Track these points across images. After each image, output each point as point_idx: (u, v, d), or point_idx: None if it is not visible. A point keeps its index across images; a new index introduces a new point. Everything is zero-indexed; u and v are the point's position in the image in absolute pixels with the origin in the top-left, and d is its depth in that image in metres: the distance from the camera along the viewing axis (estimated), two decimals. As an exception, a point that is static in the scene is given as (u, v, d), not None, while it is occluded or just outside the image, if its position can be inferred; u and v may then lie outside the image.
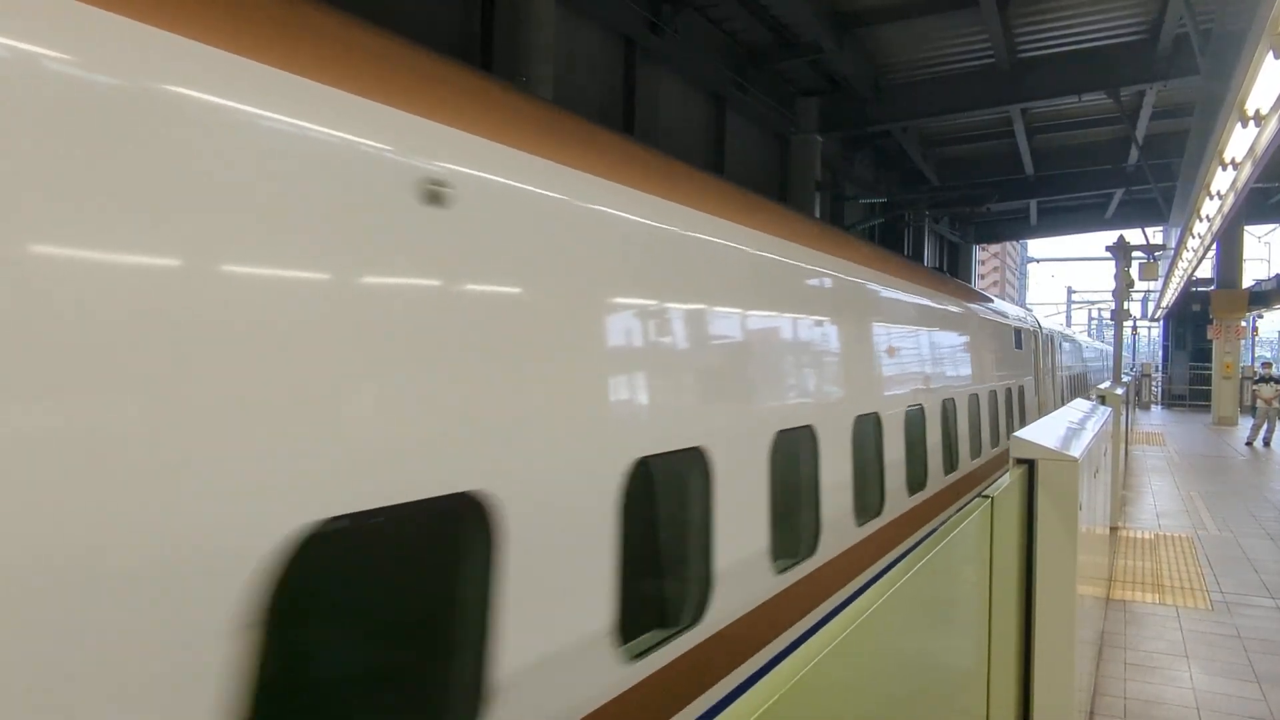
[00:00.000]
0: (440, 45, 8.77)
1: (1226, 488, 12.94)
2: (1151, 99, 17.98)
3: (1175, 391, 35.88)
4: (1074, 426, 4.49)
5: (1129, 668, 5.29)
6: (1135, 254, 15.34)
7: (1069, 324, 66.92)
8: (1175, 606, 6.60)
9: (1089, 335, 61.46)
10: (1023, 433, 3.68)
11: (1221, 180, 10.15)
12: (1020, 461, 3.54)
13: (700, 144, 15.11)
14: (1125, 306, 15.13)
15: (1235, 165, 9.23)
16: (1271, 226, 42.87)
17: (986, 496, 2.80)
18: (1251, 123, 6.89)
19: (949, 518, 2.49)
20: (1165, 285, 27.78)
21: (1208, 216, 12.38)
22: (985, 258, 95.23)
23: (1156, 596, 6.87)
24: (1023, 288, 78.81)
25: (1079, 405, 6.41)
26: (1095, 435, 4.51)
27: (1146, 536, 9.17)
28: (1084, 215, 34.14)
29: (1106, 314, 61.72)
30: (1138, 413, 29.41)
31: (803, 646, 1.39)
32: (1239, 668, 5.32)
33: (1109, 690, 4.93)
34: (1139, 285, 26.53)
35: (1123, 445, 13.31)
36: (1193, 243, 15.40)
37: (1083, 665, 4.64)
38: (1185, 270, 21.99)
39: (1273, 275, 28.79)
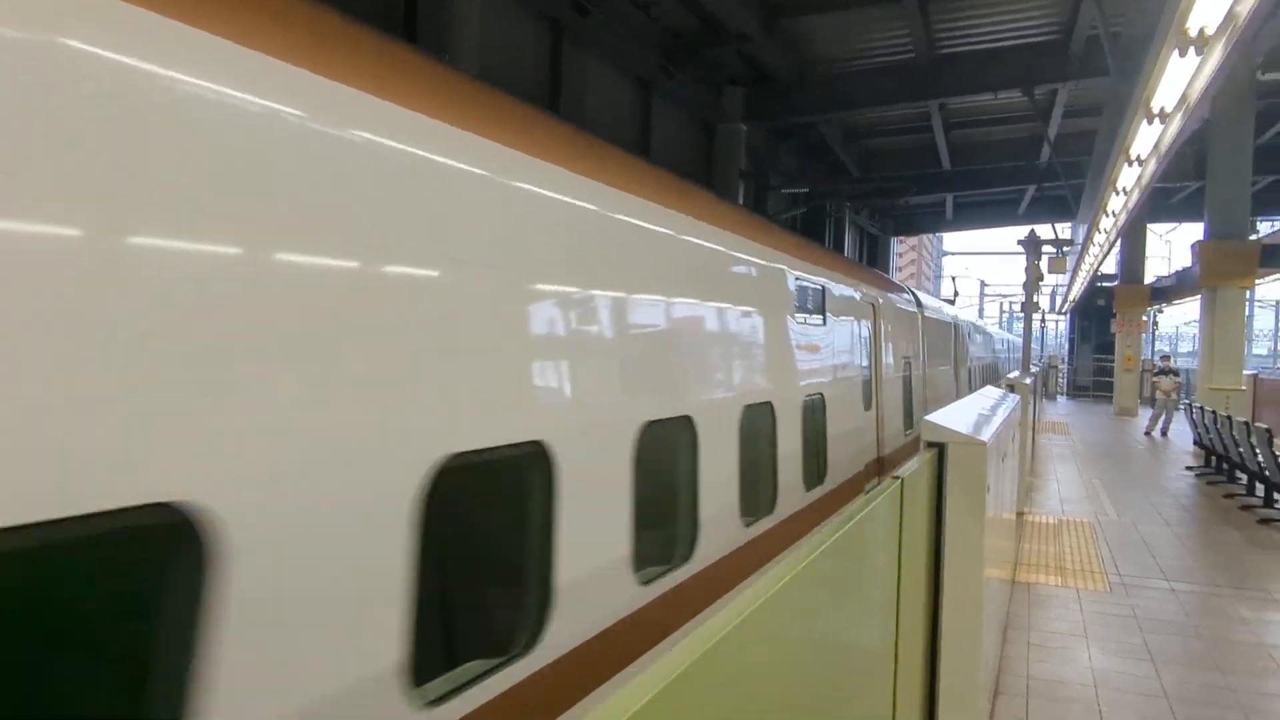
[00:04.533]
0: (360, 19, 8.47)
1: (1126, 475, 13.49)
2: (1064, 98, 18.57)
3: (1080, 383, 37.36)
4: (984, 413, 4.57)
5: (1032, 648, 5.44)
6: (1045, 248, 15.83)
7: (981, 316, 68.96)
8: (1076, 589, 6.83)
9: (1000, 328, 63.37)
10: (934, 416, 3.73)
11: (1127, 176, 10.53)
12: (930, 445, 3.58)
13: (627, 130, 15.03)
14: (1034, 300, 15.59)
15: (1140, 161, 9.59)
16: (1173, 226, 44.96)
17: (897, 478, 2.81)
18: (1156, 120, 7.14)
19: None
20: (1072, 279, 28.80)
21: (1113, 212, 12.85)
22: (904, 250, 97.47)
23: (1059, 579, 7.10)
24: (938, 280, 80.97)
25: (988, 393, 6.55)
26: (1004, 421, 4.60)
27: (1051, 522, 9.48)
28: (998, 210, 35.13)
29: (1017, 307, 63.84)
30: (1044, 402, 30.48)
31: (704, 626, 1.35)
32: (1135, 647, 5.52)
33: (1013, 670, 5.06)
34: (1048, 279, 27.48)
35: (1030, 433, 13.75)
36: (1099, 237, 15.99)
37: (989, 646, 4.75)
38: (1091, 265, 22.82)
39: (1173, 272, 30.12)
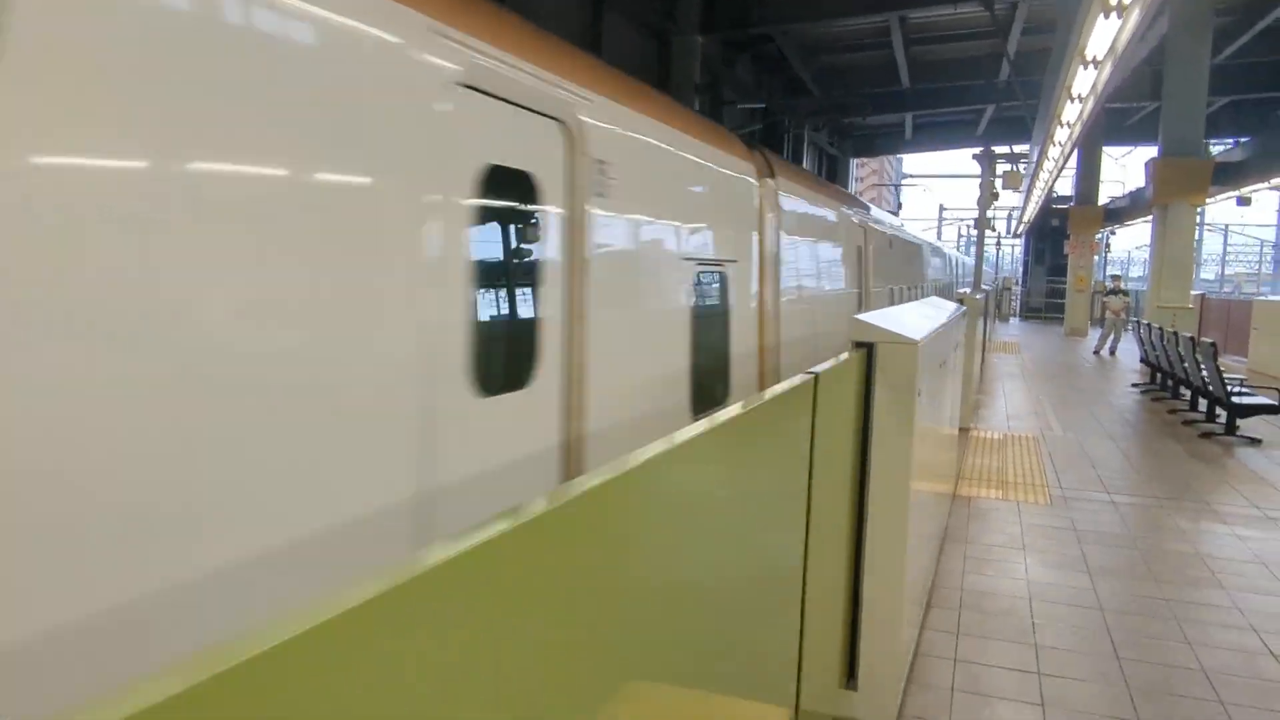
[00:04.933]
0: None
1: (1073, 393, 13.54)
2: (1024, 13, 18.16)
3: (1033, 304, 37.73)
4: (921, 317, 4.34)
5: (968, 560, 5.34)
6: (999, 162, 15.59)
7: (939, 239, 69.03)
8: (1017, 502, 6.75)
9: (959, 250, 63.38)
10: (865, 316, 3.48)
11: (1082, 81, 10.23)
12: (859, 345, 3.34)
13: (576, 42, 14.36)
14: (989, 219, 15.41)
15: (1096, 64, 9.29)
16: (1128, 149, 45.02)
17: (813, 373, 2.56)
18: (1114, 14, 6.83)
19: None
20: (1027, 199, 28.71)
21: (1068, 122, 12.56)
22: (865, 174, 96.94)
23: (1001, 493, 7.02)
24: (896, 202, 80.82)
25: (933, 302, 6.33)
26: (942, 325, 4.38)
27: (996, 437, 9.44)
28: (956, 131, 34.82)
29: (975, 230, 63.97)
30: (997, 324, 30.70)
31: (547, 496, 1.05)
32: (1072, 559, 5.44)
33: (947, 583, 4.95)
34: (1004, 199, 27.34)
35: (980, 352, 13.72)
36: (1053, 150, 15.76)
37: (923, 558, 4.60)
38: (1046, 182, 22.69)
39: (1126, 193, 30.16)
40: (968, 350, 9.90)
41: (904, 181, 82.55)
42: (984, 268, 54.50)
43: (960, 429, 9.71)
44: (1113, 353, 20.50)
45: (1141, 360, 15.35)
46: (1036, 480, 7.49)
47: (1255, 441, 9.45)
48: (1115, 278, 22.93)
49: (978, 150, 15.15)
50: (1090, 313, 28.53)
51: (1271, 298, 20.61)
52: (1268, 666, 3.99)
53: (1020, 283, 41.92)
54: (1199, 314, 18.74)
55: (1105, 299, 21.60)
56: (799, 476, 2.54)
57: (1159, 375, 13.76)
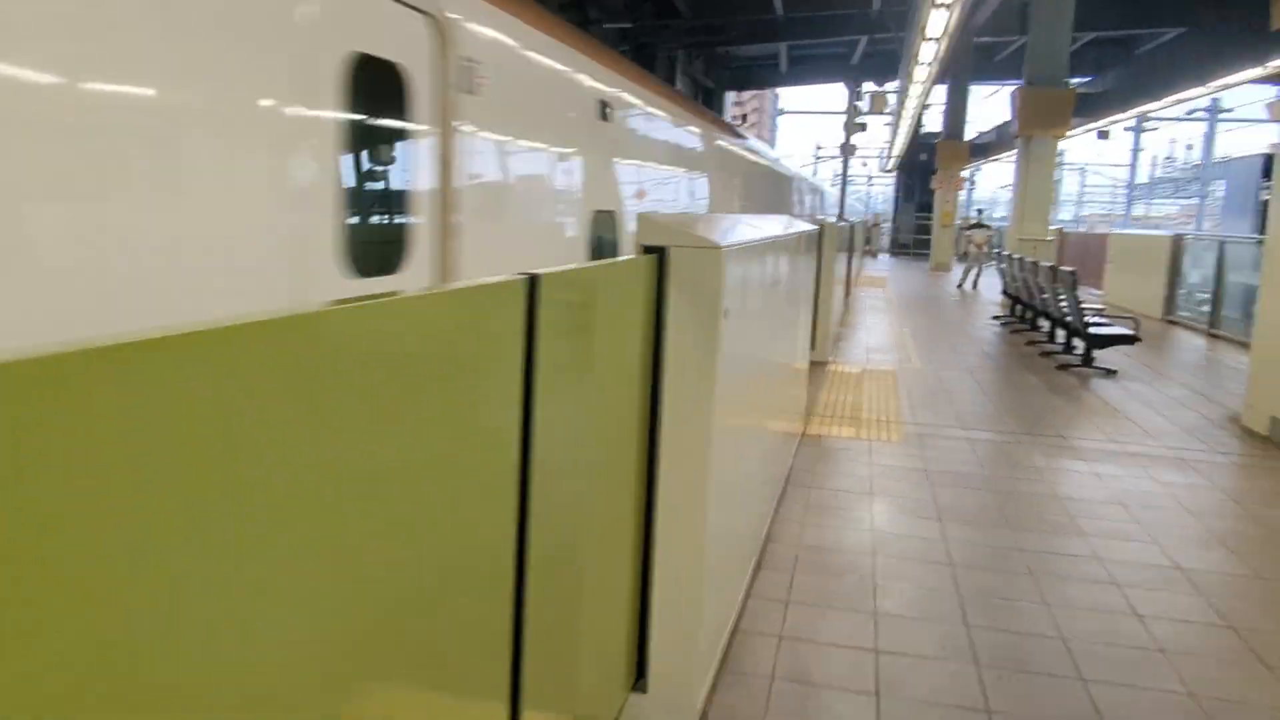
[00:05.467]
0: None
1: (934, 326, 13.29)
2: (895, -66, 17.56)
3: (901, 240, 38.18)
4: (746, 226, 3.54)
5: (810, 509, 4.68)
6: (865, 85, 15.06)
7: (815, 176, 69.50)
8: (870, 441, 6.18)
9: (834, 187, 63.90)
10: (660, 216, 2.64)
11: (936, 19, 9.71)
12: (648, 250, 2.50)
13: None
14: (855, 150, 14.90)
15: (948, 5, 8.80)
16: (996, 87, 45.74)
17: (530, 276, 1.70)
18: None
19: None
20: (894, 134, 28.64)
21: (926, 61, 12.04)
22: (748, 112, 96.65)
23: (854, 431, 6.44)
24: (773, 139, 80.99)
25: (771, 218, 5.59)
26: (769, 238, 3.58)
27: (854, 372, 8.92)
28: (832, 65, 34.38)
29: (860, 166, 64.39)
30: (867, 260, 30.87)
31: None
32: (923, 504, 4.86)
33: (783, 537, 4.27)
34: (876, 138, 27.13)
35: (846, 285, 13.27)
36: (919, 72, 15.33)
37: (754, 511, 3.89)
38: (914, 109, 22.46)
39: (992, 128, 30.49)
40: (826, 279, 9.32)
41: (780, 117, 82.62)
42: (857, 205, 55.16)
43: (816, 363, 9.16)
44: (975, 286, 20.63)
45: (1003, 293, 15.29)
46: (892, 416, 6.95)
47: (1111, 373, 9.25)
48: (979, 211, 23.08)
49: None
50: (956, 248, 28.92)
51: (1126, 231, 21.08)
52: (1131, 630, 3.45)
53: (891, 219, 42.39)
54: (1059, 248, 18.92)
55: (968, 232, 21.68)
56: (566, 416, 1.73)
57: (1019, 307, 13.65)
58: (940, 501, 4.90)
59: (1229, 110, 57.23)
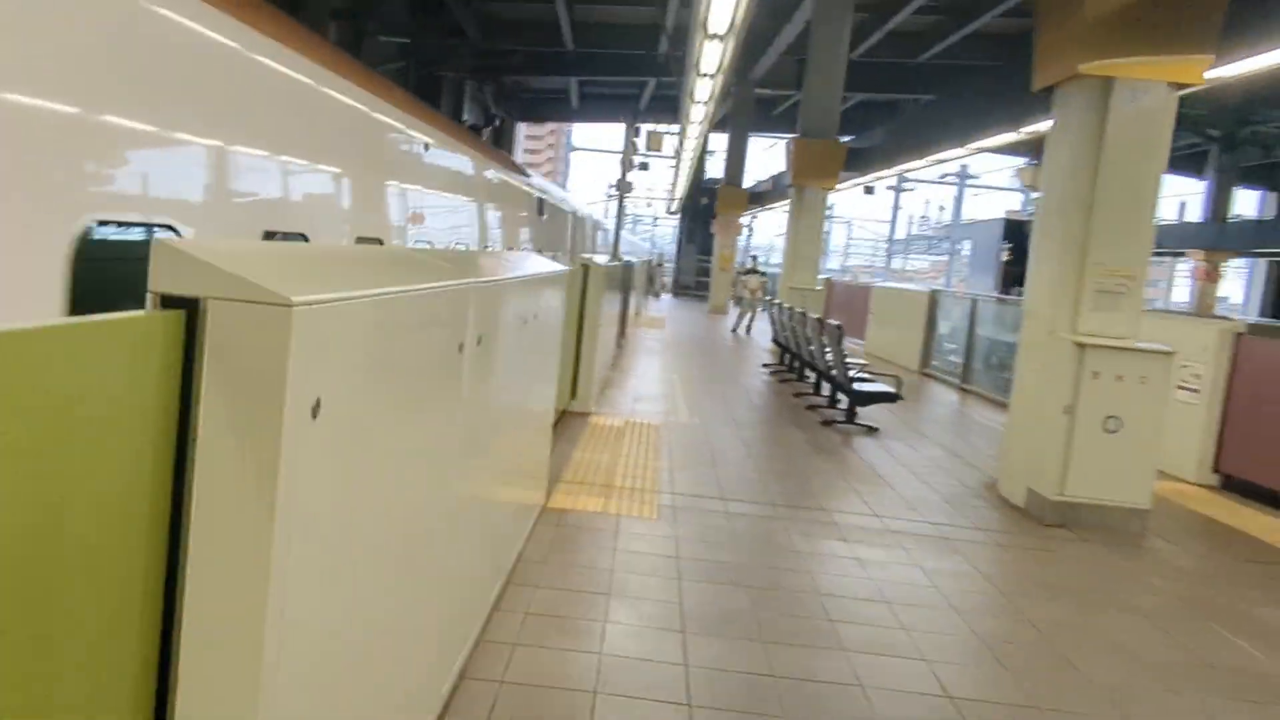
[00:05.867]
0: None
1: (706, 373, 12.92)
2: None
3: (684, 282, 38.71)
4: (377, 263, 2.60)
5: (528, 621, 3.77)
6: (645, 125, 14.71)
7: (605, 216, 70.14)
8: (619, 517, 5.38)
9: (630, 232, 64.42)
10: (206, 241, 1.65)
11: (710, 54, 9.47)
12: (169, 303, 1.50)
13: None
14: (631, 189, 14.47)
15: (720, 38, 8.57)
16: (774, 140, 47.96)
17: None
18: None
19: None
20: (676, 176, 28.92)
21: (702, 100, 11.86)
22: (540, 147, 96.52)
23: (602, 502, 5.63)
24: (566, 176, 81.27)
25: (519, 255, 4.75)
26: (420, 284, 2.62)
27: (617, 425, 8.19)
28: (621, 105, 34.48)
29: (645, 206, 65.49)
30: (649, 300, 30.90)
31: None
32: (666, 610, 4.08)
33: (484, 668, 3.32)
34: (661, 179, 27.21)
35: (620, 327, 12.65)
36: (696, 111, 15.19)
37: (442, 629, 2.92)
38: (693, 151, 22.58)
39: (769, 176, 31.54)
40: (591, 323, 8.58)
41: (573, 153, 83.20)
42: (642, 245, 55.93)
43: (577, 413, 8.37)
44: (748, 331, 20.82)
45: (774, 340, 15.27)
46: (649, 483, 6.22)
47: (873, 430, 9.07)
48: (753, 257, 23.49)
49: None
50: (732, 292, 29.50)
51: (887, 284, 22.05)
52: (899, 795, 2.78)
53: (674, 260, 43.02)
54: (827, 297, 19.41)
55: (742, 277, 21.93)
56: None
57: (787, 356, 13.58)
58: (687, 605, 4.14)
59: (975, 177, 63.38)
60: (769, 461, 7.40)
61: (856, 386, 9.01)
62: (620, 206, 14.45)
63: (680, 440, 7.76)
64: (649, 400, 9.76)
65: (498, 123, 31.67)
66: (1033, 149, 18.28)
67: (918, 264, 72.17)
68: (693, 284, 38.28)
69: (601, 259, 9.65)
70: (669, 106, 30.89)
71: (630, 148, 13.19)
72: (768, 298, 18.10)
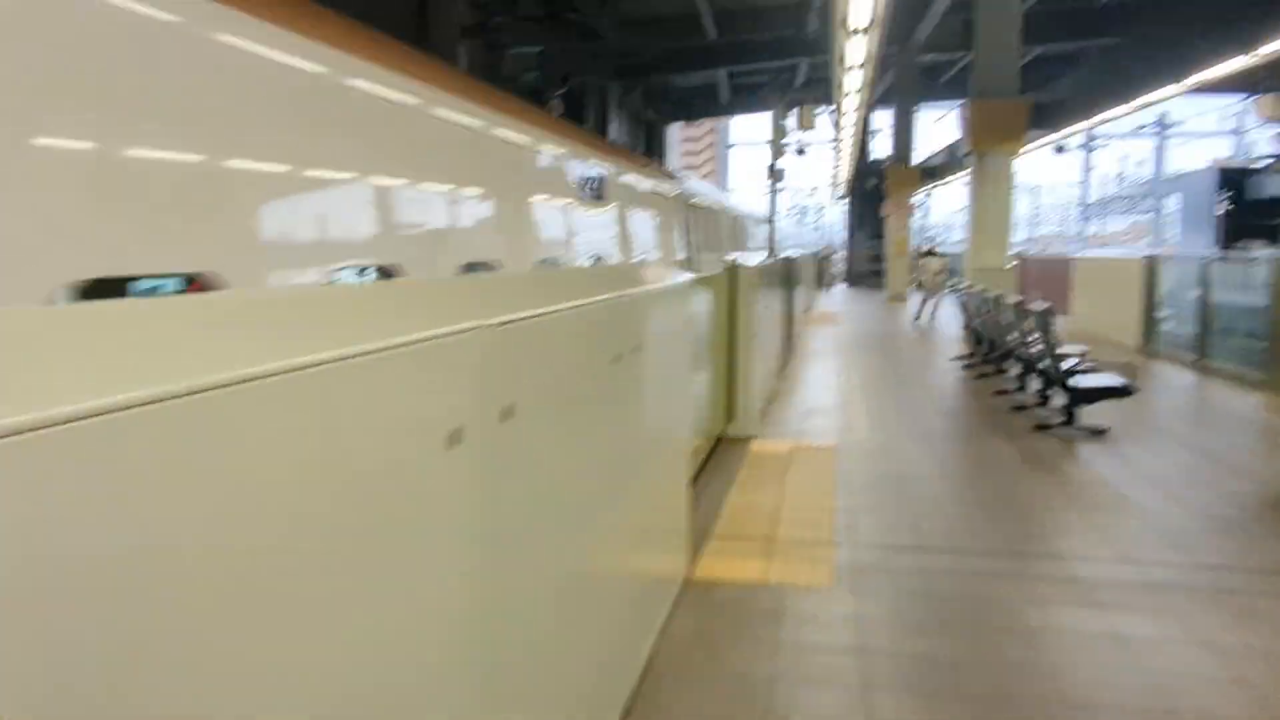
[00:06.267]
0: None
1: (887, 372, 11.48)
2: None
3: (857, 270, 36.57)
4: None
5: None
6: (796, 100, 13.32)
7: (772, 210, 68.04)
8: (782, 588, 4.23)
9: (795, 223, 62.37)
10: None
11: (859, 7, 8.12)
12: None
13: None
14: (782, 177, 13.17)
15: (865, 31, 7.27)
16: (944, 111, 44.75)
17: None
18: None
19: None
20: (838, 159, 27.18)
21: (857, 28, 10.34)
22: (699, 148, 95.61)
23: (762, 567, 4.50)
24: (724, 173, 79.85)
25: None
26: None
27: (782, 451, 7.02)
28: (774, 93, 33.09)
29: (808, 195, 63.22)
30: (820, 294, 29.29)
31: None
32: (852, 738, 2.92)
33: None
34: (823, 162, 25.57)
35: (781, 331, 11.44)
36: (849, 101, 13.73)
37: None
38: (852, 125, 20.91)
39: (943, 148, 29.13)
40: (745, 335, 7.47)
41: (730, 149, 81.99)
42: (809, 236, 54.01)
43: (736, 439, 7.27)
44: (932, 319, 18.98)
45: (965, 328, 13.56)
46: (821, 532, 5.03)
47: (1099, 433, 7.45)
48: (931, 239, 21.52)
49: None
50: (912, 277, 27.39)
51: (1093, 253, 19.56)
52: None
53: (846, 248, 40.87)
54: (1019, 277, 17.30)
55: (921, 261, 20.02)
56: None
57: (982, 347, 11.91)
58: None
59: (1176, 124, 57.08)
60: (974, 487, 6.02)
61: (1075, 381, 7.41)
62: (773, 196, 13.18)
63: (860, 466, 6.50)
64: (822, 414, 8.51)
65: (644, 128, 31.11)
66: (1263, 80, 15.52)
67: (1115, 226, 65.76)
68: (867, 272, 36.09)
69: (756, 257, 8.63)
70: (823, 88, 29.23)
71: (779, 131, 11.87)
72: (951, 280, 16.29)
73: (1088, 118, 15.36)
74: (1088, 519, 5.26)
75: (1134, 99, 13.95)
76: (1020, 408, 8.67)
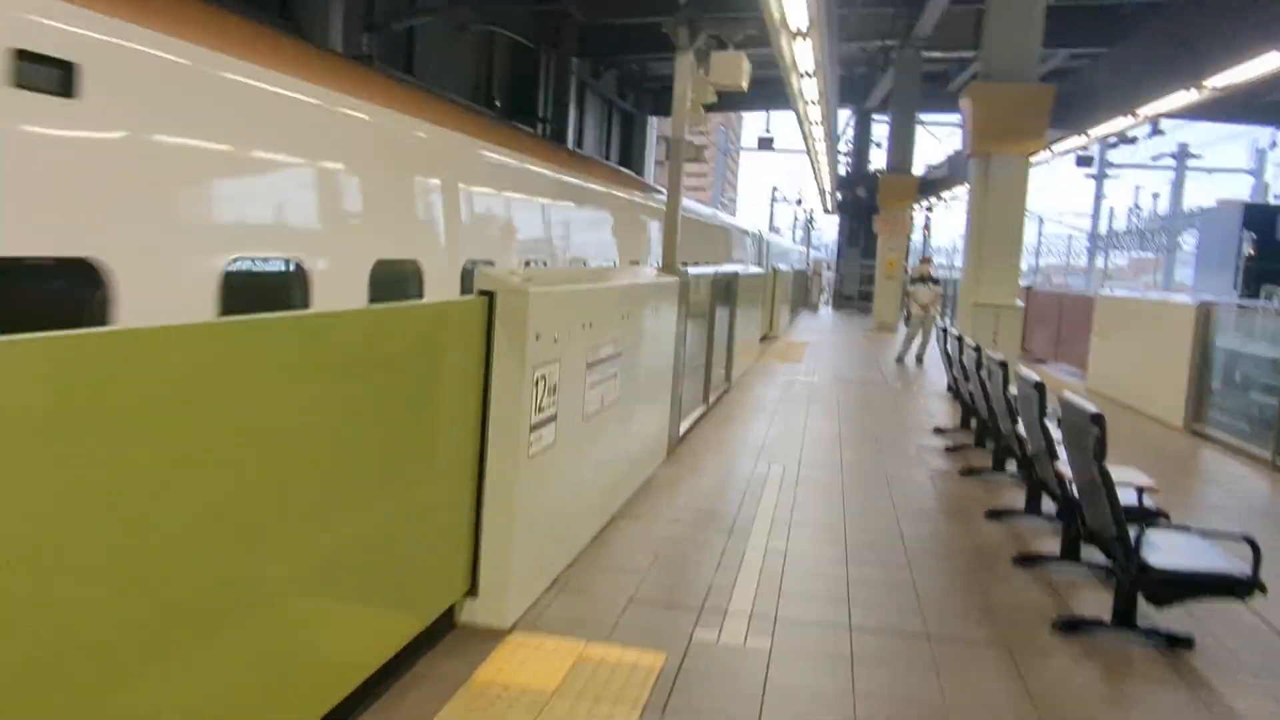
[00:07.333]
0: None
1: (837, 449, 7.89)
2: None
3: (845, 291, 32.98)
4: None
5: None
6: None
7: (772, 224, 64.71)
8: None
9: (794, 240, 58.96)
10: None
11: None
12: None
13: None
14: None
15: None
16: (949, 125, 41.11)
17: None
18: None
19: None
20: (814, 165, 23.65)
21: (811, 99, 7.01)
22: (709, 156, 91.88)
23: None
24: (720, 180, 76.56)
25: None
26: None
27: (556, 665, 3.48)
28: (765, 86, 29.62)
29: (810, 211, 59.73)
30: (804, 315, 25.90)
31: None
32: None
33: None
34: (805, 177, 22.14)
35: (720, 368, 7.94)
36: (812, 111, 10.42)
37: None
38: (824, 142, 17.50)
39: (945, 157, 25.65)
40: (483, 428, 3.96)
41: (740, 154, 78.66)
42: (799, 250, 50.52)
43: (466, 626, 3.71)
44: (919, 360, 15.49)
45: (949, 389, 10.08)
46: None
47: (1182, 643, 3.95)
48: (925, 259, 17.98)
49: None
50: (903, 304, 23.90)
51: (1123, 293, 16.07)
52: None
53: (835, 267, 37.27)
54: (1025, 312, 13.79)
55: (910, 288, 16.48)
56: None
57: (973, 420, 8.43)
58: None
59: (1196, 156, 53.48)
60: None
61: (1152, 556, 3.82)
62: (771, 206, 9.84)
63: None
64: (681, 566, 4.97)
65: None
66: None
67: (1116, 260, 61.86)
68: (856, 294, 32.48)
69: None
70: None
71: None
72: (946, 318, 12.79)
73: (1128, 112, 11.85)
74: None
75: (1182, 89, 10.47)
76: (1030, 559, 5.12)
